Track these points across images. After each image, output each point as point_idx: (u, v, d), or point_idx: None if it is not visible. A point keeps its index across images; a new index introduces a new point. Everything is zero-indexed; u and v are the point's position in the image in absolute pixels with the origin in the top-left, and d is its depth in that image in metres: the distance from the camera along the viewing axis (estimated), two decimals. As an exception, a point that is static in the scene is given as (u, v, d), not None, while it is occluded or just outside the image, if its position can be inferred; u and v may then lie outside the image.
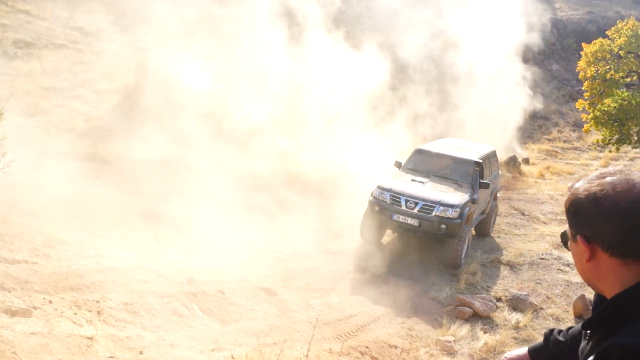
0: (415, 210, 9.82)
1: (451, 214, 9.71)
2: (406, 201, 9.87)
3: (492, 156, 12.04)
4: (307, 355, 5.72)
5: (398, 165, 11.08)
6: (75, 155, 13.76)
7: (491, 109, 19.31)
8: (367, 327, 8.01)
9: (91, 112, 16.96)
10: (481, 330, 8.54)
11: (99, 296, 6.29)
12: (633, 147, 18.05)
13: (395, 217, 9.89)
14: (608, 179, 1.44)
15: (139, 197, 11.35)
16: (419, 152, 11.26)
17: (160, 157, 14.50)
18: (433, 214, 9.75)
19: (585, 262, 1.46)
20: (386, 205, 9.94)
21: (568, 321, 9.21)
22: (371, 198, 10.19)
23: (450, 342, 7.85)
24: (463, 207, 9.89)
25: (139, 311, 6.37)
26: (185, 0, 18.32)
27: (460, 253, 10.07)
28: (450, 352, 7.70)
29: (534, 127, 23.15)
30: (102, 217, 9.56)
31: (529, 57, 25.16)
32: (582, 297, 9.47)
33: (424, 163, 10.97)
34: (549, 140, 22.19)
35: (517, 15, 21.56)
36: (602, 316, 1.44)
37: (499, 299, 9.61)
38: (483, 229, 11.97)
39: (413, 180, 10.40)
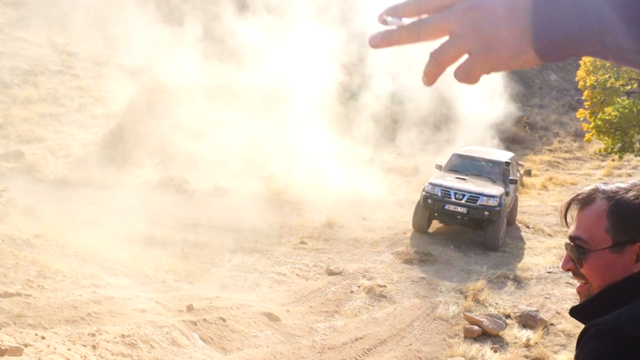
0: (463, 201, 11.87)
1: (492, 202, 11.82)
2: (455, 194, 11.93)
3: (513, 159, 14.29)
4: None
5: (439, 167, 13.24)
6: (72, 181, 13.62)
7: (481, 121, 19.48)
8: (374, 350, 7.76)
9: (88, 137, 16.85)
10: (491, 349, 8.27)
11: (95, 329, 6.06)
12: (636, 156, 17.86)
13: (446, 207, 11.91)
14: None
15: (137, 223, 11.15)
16: (458, 156, 13.57)
17: (158, 181, 14.36)
18: (478, 203, 11.81)
19: (634, 264, 1.35)
20: (438, 197, 11.94)
21: (580, 337, 8.95)
22: (424, 192, 12.17)
23: (459, 363, 7.59)
24: (501, 197, 11.98)
25: (136, 343, 6.14)
26: (177, 23, 18.37)
27: (499, 236, 12.01)
28: (461, 374, 7.44)
29: (535, 138, 23.02)
30: (99, 244, 9.36)
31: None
32: (593, 311, 9.22)
33: (461, 164, 13.23)
34: (550, 150, 22.04)
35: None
36: (591, 304, 1.36)
37: (507, 316, 9.35)
38: (510, 218, 13.68)
39: (457, 177, 12.50)
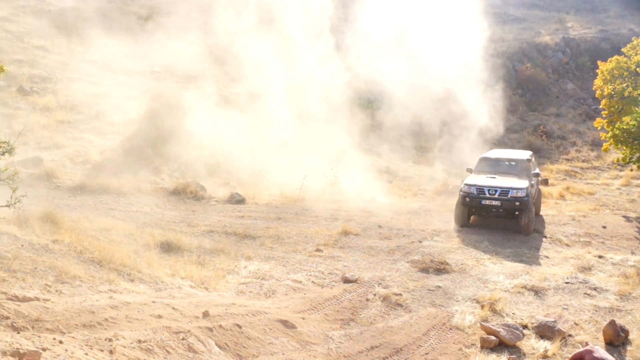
0: (496, 195, 13.67)
1: (521, 194, 13.56)
2: (488, 190, 13.73)
3: (533, 156, 16.00)
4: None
5: (469, 170, 14.96)
6: (90, 187, 13.75)
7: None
8: (390, 359, 7.70)
9: (105, 144, 17.01)
10: (508, 360, 8.17)
11: (112, 334, 6.09)
12: (655, 165, 17.61)
13: (483, 202, 13.74)
14: None
15: (153, 229, 11.22)
16: (484, 159, 15.28)
17: (175, 187, 14.45)
18: (509, 196, 13.60)
19: None
20: (474, 195, 13.79)
21: (599, 348, 8.79)
22: (462, 192, 13.94)
23: (476, 373, 7.49)
24: (527, 189, 13.72)
25: (152, 349, 6.15)
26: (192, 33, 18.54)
27: (531, 222, 13.74)
28: (478, 385, 7.34)
29: (551, 147, 22.81)
30: (115, 250, 9.42)
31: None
32: (612, 322, 9.05)
33: (488, 166, 14.95)
34: (567, 160, 21.82)
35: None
36: None
37: (525, 327, 9.22)
38: (536, 208, 15.19)
39: (487, 177, 14.24)
